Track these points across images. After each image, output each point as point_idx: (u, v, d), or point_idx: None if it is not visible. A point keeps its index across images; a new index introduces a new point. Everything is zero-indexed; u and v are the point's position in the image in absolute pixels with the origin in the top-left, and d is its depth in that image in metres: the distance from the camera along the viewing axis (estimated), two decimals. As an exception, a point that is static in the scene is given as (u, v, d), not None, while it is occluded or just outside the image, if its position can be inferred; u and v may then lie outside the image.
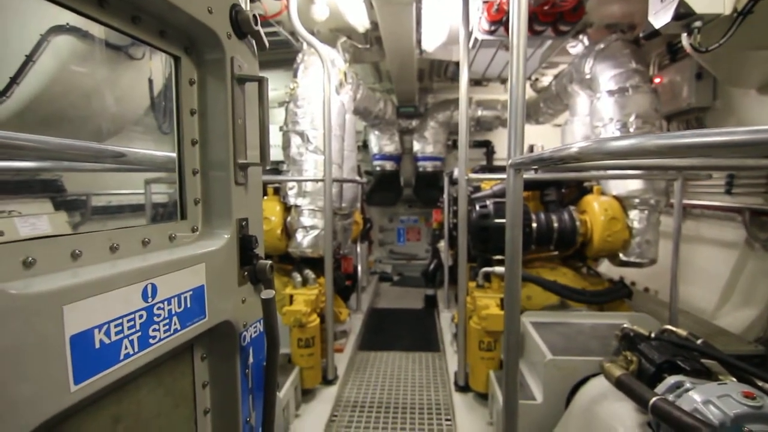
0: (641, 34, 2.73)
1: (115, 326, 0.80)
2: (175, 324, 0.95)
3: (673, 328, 2.14)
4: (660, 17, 2.33)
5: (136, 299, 0.85)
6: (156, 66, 1.19)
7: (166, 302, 0.92)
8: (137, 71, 1.26)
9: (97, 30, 1.03)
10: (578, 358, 2.38)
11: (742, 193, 4.05)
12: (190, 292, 1.00)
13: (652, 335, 2.07)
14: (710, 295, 4.23)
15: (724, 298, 4.14)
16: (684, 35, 2.37)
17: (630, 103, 3.66)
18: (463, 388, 3.55)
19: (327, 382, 3.67)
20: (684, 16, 2.19)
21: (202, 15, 1.05)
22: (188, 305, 0.99)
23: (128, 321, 0.82)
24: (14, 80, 1.29)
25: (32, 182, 1.24)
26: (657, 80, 4.48)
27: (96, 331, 0.75)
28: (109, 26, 0.91)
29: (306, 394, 3.48)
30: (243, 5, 1.38)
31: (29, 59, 1.32)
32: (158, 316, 0.90)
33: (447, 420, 3.35)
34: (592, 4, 3.72)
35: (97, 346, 0.76)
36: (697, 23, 2.24)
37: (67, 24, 1.07)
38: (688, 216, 4.72)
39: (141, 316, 0.86)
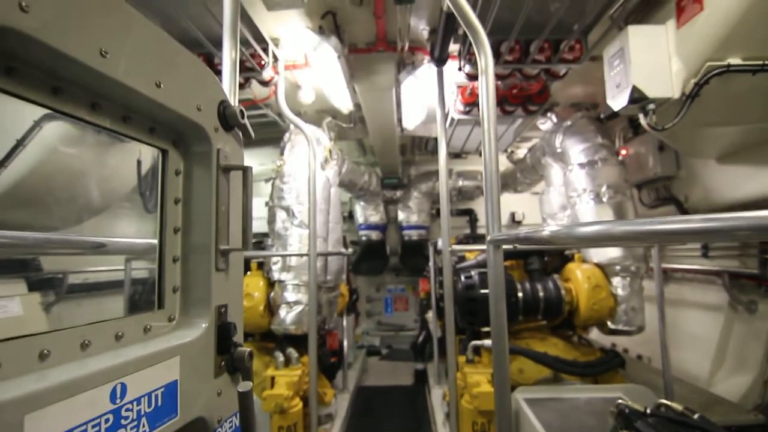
0: (602, 115, 2.97)
1: (78, 435, 0.74)
2: (143, 426, 0.89)
3: (669, 403, 2.08)
4: (617, 101, 2.55)
5: (103, 401, 0.80)
6: (144, 149, 1.23)
7: (135, 402, 0.87)
8: (126, 152, 1.30)
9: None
10: (576, 438, 2.27)
11: (719, 255, 4.16)
12: (162, 389, 0.95)
13: (648, 411, 2.00)
14: (702, 360, 4.16)
15: (717, 363, 4.07)
16: (641, 115, 2.58)
17: (600, 174, 3.87)
18: (459, 476, 3.29)
19: (311, 474, 3.36)
20: (638, 100, 2.42)
21: (191, 113, 1.11)
22: (159, 404, 0.94)
23: (93, 427, 0.77)
24: (2, 163, 1.32)
25: (6, 262, 1.21)
26: (623, 152, 4.78)
27: (56, 441, 0.70)
28: (100, 127, 0.95)
29: (288, 490, 3.17)
30: (230, 96, 1.48)
31: (19, 143, 1.36)
32: (126, 418, 0.85)
33: None
34: (557, 87, 4.07)
35: (56, 458, 0.70)
36: (651, 106, 2.46)
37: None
38: (671, 279, 4.79)
39: (107, 420, 0.80)
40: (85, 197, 1.40)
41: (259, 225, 5.05)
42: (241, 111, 1.30)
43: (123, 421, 0.84)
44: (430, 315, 5.66)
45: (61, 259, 1.37)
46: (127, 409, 0.85)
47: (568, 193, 4.11)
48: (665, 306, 3.32)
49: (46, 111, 1.22)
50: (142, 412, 0.89)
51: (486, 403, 2.99)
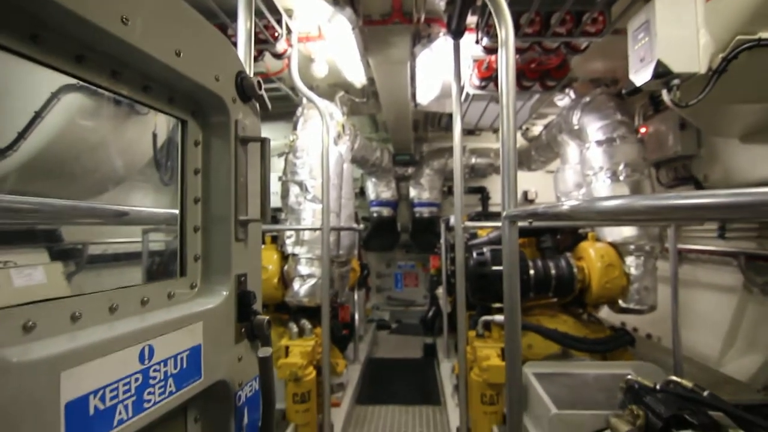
0: (623, 91, 2.88)
1: (111, 391, 0.78)
2: (170, 386, 0.93)
3: (679, 380, 2.09)
4: (640, 76, 2.47)
5: (133, 362, 0.84)
6: (161, 121, 1.24)
7: (162, 364, 0.91)
8: (143, 125, 1.31)
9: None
10: (584, 412, 2.30)
11: (736, 237, 4.10)
12: (187, 352, 0.99)
13: (658, 387, 2.02)
14: (713, 340, 4.16)
15: (728, 344, 4.06)
16: (664, 91, 2.50)
17: (618, 152, 3.79)
18: (466, 445, 3.39)
19: (323, 440, 3.50)
20: (662, 75, 2.33)
21: (209, 83, 1.11)
22: (184, 366, 0.98)
23: (124, 385, 0.81)
24: (21, 135, 1.34)
25: (29, 232, 1.25)
26: (643, 130, 4.66)
27: (91, 396, 0.74)
28: (121, 95, 0.96)
29: (301, 453, 3.31)
30: (246, 67, 1.47)
31: (38, 115, 1.37)
32: (154, 378, 0.89)
33: (450, 481, 3.17)
34: (576, 62, 3.94)
35: (92, 412, 0.74)
36: (676, 81, 2.38)
37: (78, 83, 1.13)
38: (685, 260, 4.74)
39: (137, 380, 0.84)
40: (103, 169, 1.42)
41: (273, 200, 5.07)
42: (259, 82, 1.29)
43: (151, 381, 0.88)
44: (440, 291, 5.72)
45: (82, 230, 1.41)
46: (155, 370, 0.89)
47: (584, 172, 4.04)
48: (678, 287, 3.30)
49: (63, 83, 1.23)
50: (169, 373, 0.93)
51: (495, 376, 3.04)
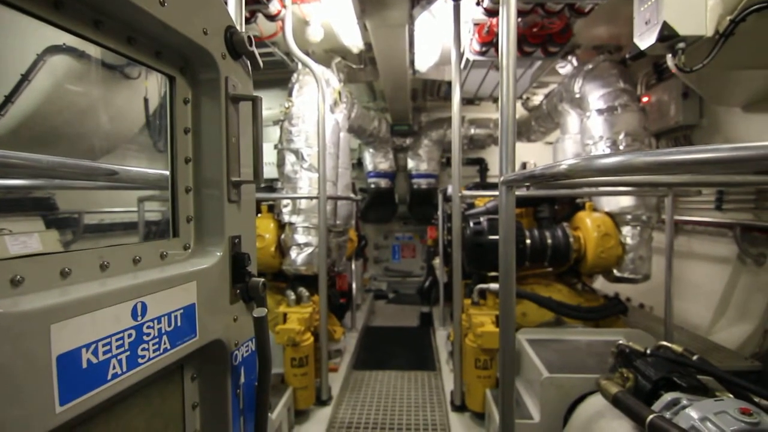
0: (627, 56, 2.81)
1: (104, 345, 0.78)
2: (164, 343, 0.94)
3: (669, 344, 2.14)
4: (645, 39, 2.40)
5: (125, 318, 0.84)
6: (151, 85, 1.20)
7: (156, 321, 0.91)
8: (133, 90, 1.27)
9: (93, 50, 1.04)
10: (575, 375, 2.36)
11: (732, 208, 4.10)
12: (181, 311, 0.99)
13: (648, 351, 2.06)
14: (705, 310, 4.23)
15: (719, 314, 4.14)
16: (669, 56, 2.43)
17: (619, 121, 3.73)
18: (460, 408, 3.50)
19: (321, 402, 3.59)
20: (668, 38, 2.26)
21: (197, 36, 1.07)
22: (178, 324, 0.98)
23: (117, 340, 0.81)
24: (9, 98, 1.30)
25: (24, 200, 1.24)
26: (645, 99, 4.58)
27: (83, 350, 0.74)
28: (105, 47, 0.92)
29: (299, 415, 3.40)
30: (237, 25, 1.41)
31: (24, 78, 1.33)
32: (148, 335, 0.89)
33: (443, 441, 3.28)
34: (580, 27, 3.83)
35: (85, 365, 0.74)
36: (681, 45, 2.30)
37: (64, 44, 1.08)
38: (680, 232, 4.77)
39: (130, 335, 0.84)
40: (93, 135, 1.39)
41: (268, 171, 5.00)
42: (249, 38, 1.24)
43: (145, 337, 0.88)
44: (437, 261, 5.76)
45: (77, 198, 1.39)
46: (149, 327, 0.89)
47: (584, 141, 3.99)
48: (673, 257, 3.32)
49: (48, 44, 1.18)
50: (163, 330, 0.93)
51: (489, 341, 3.11)
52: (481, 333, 3.15)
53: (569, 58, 4.45)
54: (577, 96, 4.15)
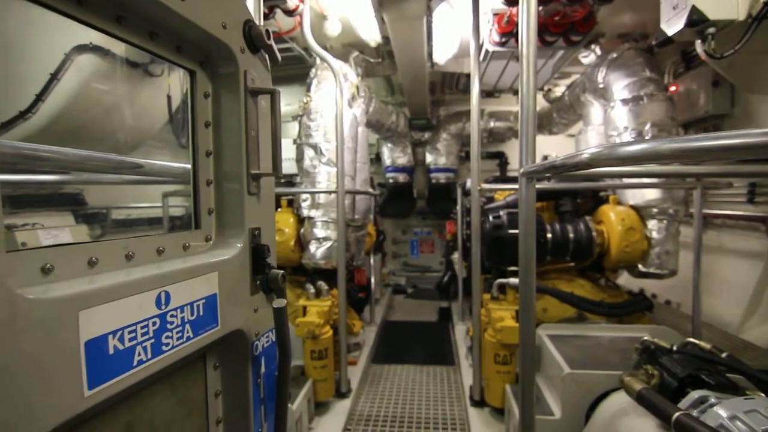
0: (654, 42, 2.71)
1: (129, 332, 0.81)
2: (187, 332, 0.96)
3: (697, 341, 2.07)
4: (672, 24, 2.31)
5: (149, 306, 0.86)
6: (174, 82, 1.23)
7: (179, 310, 0.93)
8: (156, 88, 1.30)
9: (118, 48, 1.07)
10: (597, 372, 2.31)
11: (765, 201, 3.93)
12: (203, 301, 1.01)
13: (674, 348, 2.00)
14: (735, 307, 4.08)
15: (750, 311, 3.99)
16: (698, 42, 2.34)
17: (645, 111, 3.61)
18: (479, 403, 3.48)
19: (340, 394, 3.63)
20: (697, 22, 2.17)
21: (216, 30, 1.08)
22: (201, 313, 1.00)
23: (142, 327, 0.84)
24: (39, 97, 1.34)
25: (55, 196, 1.29)
26: (672, 88, 4.42)
27: (110, 336, 0.77)
28: (128, 42, 0.94)
29: (319, 406, 3.45)
30: (256, 21, 1.42)
31: (54, 77, 1.37)
32: (171, 323, 0.91)
33: (462, 435, 3.28)
34: (604, 14, 3.71)
35: (111, 351, 0.77)
36: (711, 30, 2.22)
37: (90, 43, 1.11)
38: (710, 226, 4.60)
39: (154, 323, 0.87)
40: (119, 132, 1.43)
41: (288, 166, 5.05)
42: (267, 32, 1.25)
43: (169, 326, 0.90)
44: (456, 256, 5.73)
45: (103, 193, 1.44)
46: (172, 315, 0.92)
47: (608, 132, 3.88)
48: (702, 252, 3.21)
49: (74, 43, 1.21)
50: (186, 319, 0.95)
51: (509, 337, 3.07)
52: (500, 328, 3.12)
53: (592, 47, 4.33)
54: (601, 86, 4.04)
